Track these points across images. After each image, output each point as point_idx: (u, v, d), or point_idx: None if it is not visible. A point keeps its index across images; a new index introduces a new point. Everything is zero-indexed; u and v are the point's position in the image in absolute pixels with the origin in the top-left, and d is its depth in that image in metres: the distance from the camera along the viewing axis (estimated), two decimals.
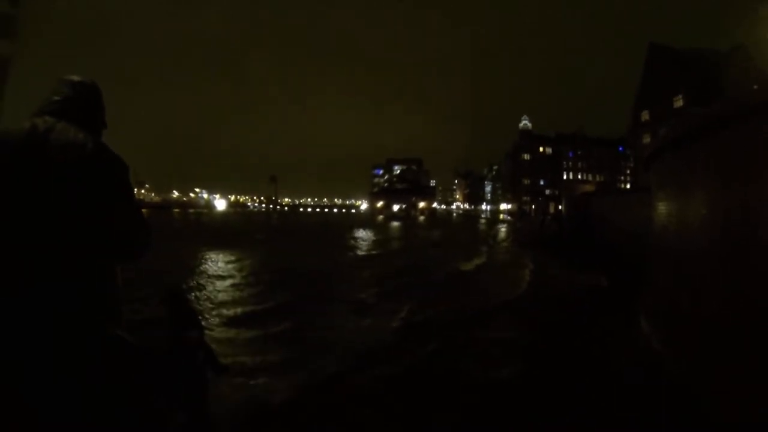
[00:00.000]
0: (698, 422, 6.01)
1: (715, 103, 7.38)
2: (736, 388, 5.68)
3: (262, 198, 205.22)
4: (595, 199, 38.48)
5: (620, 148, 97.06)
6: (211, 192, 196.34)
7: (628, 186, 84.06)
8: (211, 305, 14.31)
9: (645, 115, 54.08)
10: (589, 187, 49.01)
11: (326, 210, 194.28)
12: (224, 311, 13.54)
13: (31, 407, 1.92)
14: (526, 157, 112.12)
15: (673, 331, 8.31)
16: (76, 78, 2.48)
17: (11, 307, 1.94)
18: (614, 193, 50.23)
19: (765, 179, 5.39)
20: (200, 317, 4.80)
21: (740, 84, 35.62)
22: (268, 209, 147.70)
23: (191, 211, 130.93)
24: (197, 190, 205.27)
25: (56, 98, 2.36)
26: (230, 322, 12.47)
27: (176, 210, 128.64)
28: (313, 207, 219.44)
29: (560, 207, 56.06)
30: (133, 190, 2.49)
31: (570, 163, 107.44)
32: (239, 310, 13.80)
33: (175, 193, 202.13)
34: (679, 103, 46.55)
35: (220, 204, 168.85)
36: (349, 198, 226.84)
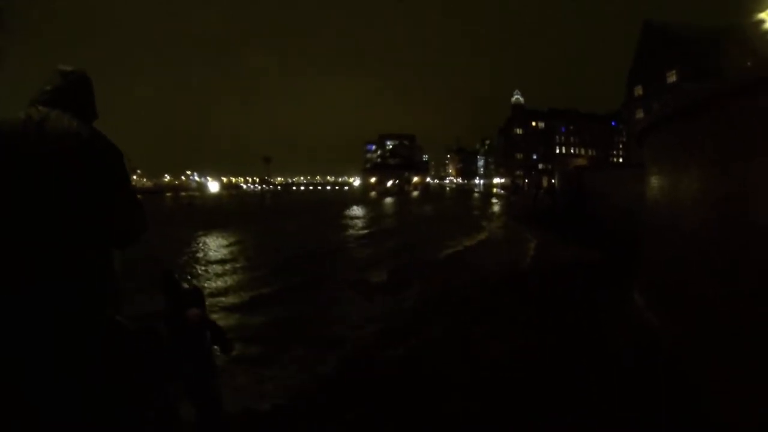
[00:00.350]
0: (693, 399, 6.13)
1: (710, 80, 7.38)
2: (727, 368, 5.79)
3: (255, 179, 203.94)
4: (588, 173, 38.54)
5: (613, 123, 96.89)
6: (203, 175, 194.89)
7: (621, 161, 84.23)
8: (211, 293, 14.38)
9: (638, 90, 53.96)
10: (581, 162, 49.16)
11: (319, 188, 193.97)
12: (224, 299, 13.66)
13: (32, 406, 1.94)
14: (519, 131, 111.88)
15: (667, 307, 8.42)
16: (66, 68, 2.48)
17: (12, 306, 1.94)
18: (607, 167, 50.40)
19: (758, 157, 5.43)
20: (202, 294, 4.57)
21: (734, 62, 35.54)
22: (261, 190, 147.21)
23: (183, 194, 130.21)
24: (188, 173, 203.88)
25: (48, 88, 2.36)
26: (232, 308, 12.62)
27: (168, 194, 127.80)
28: (306, 185, 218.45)
29: (553, 181, 56.13)
30: (129, 176, 2.57)
31: (563, 138, 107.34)
32: (241, 296, 13.94)
33: (167, 177, 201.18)
34: (672, 78, 46.43)
35: (213, 186, 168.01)
36: (342, 175, 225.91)
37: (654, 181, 10.00)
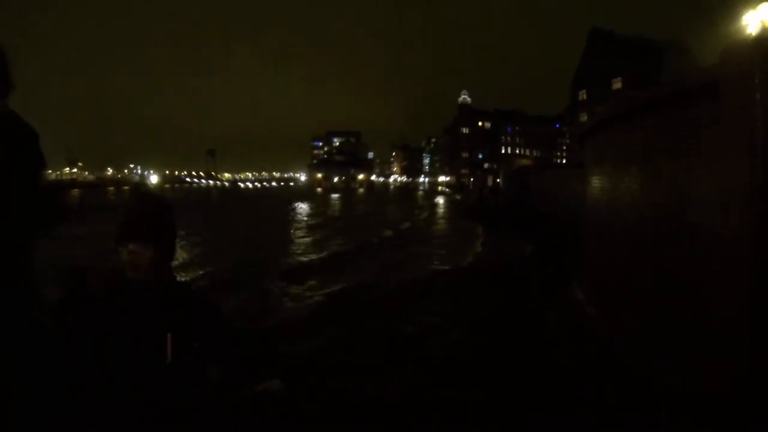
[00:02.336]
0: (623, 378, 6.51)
1: (650, 87, 7.81)
2: (655, 350, 6.19)
3: (201, 173, 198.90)
4: (533, 173, 39.62)
5: (557, 126, 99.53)
6: (146, 168, 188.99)
7: (564, 161, 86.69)
8: None
9: (582, 95, 55.51)
10: (525, 162, 50.31)
11: (266, 184, 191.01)
12: None
13: None
14: (465, 131, 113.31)
15: (603, 299, 8.87)
16: None
17: None
18: (551, 167, 51.82)
19: (691, 160, 5.82)
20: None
21: (676, 72, 37.24)
22: (208, 185, 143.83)
23: (125, 188, 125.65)
24: (131, 166, 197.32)
25: None
26: None
27: (110, 188, 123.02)
28: (253, 181, 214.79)
29: (498, 180, 57.30)
30: (45, 160, 2.26)
31: (509, 138, 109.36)
32: None
33: (110, 171, 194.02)
34: (617, 85, 48.02)
35: (153, 179, 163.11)
36: (289, 171, 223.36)
37: (595, 182, 10.43)
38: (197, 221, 30.97)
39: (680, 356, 5.74)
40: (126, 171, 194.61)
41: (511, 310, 11.40)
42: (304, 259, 19.15)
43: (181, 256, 19.09)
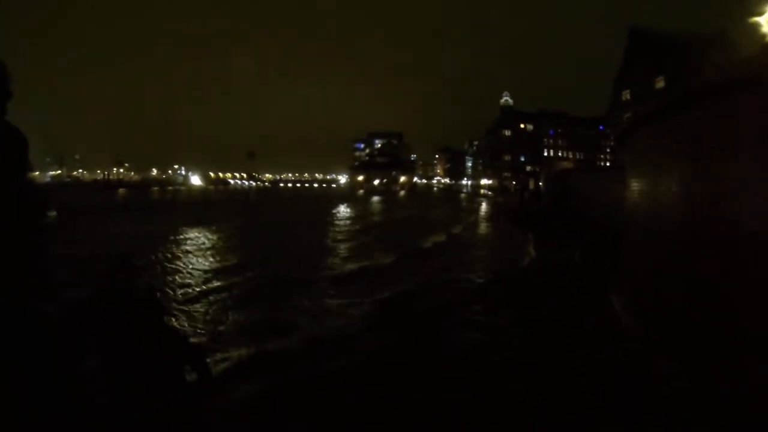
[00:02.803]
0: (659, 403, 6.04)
1: (684, 82, 7.30)
2: (694, 366, 5.69)
3: (243, 174, 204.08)
4: (574, 176, 38.63)
5: (601, 127, 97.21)
6: (190, 170, 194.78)
7: (608, 164, 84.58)
8: None
9: (626, 95, 54.02)
10: (567, 164, 49.28)
11: (306, 185, 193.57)
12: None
13: None
14: (507, 133, 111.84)
15: (640, 308, 8.33)
16: None
17: None
18: (592, 170, 50.55)
19: (733, 158, 5.30)
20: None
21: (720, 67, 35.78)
22: (249, 186, 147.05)
23: (169, 188, 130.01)
24: (175, 167, 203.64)
25: None
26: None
27: (155, 188, 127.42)
28: (294, 182, 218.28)
29: (540, 183, 56.23)
30: (30, 165, 2.44)
31: (551, 141, 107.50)
32: None
33: (155, 171, 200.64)
34: (660, 84, 46.62)
35: (196, 180, 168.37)
36: (330, 173, 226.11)
37: (633, 184, 9.90)
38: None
39: (707, 366, 5.24)
40: (170, 172, 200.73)
41: (542, 320, 10.96)
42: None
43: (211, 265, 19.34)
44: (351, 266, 18.37)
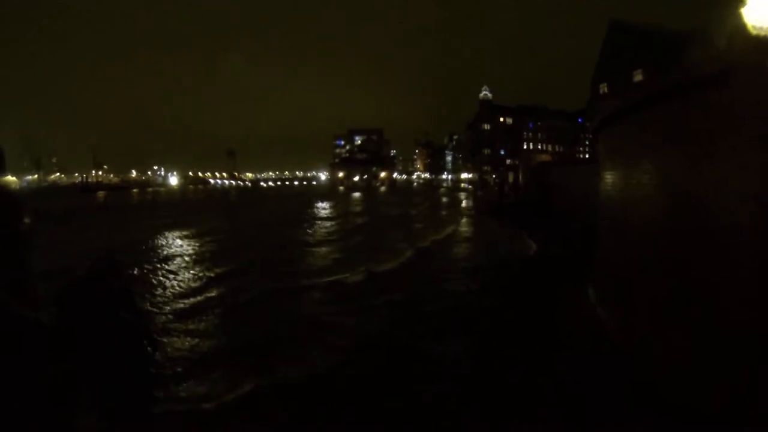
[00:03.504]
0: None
1: (658, 76, 7.37)
2: (670, 356, 5.77)
3: (223, 173, 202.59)
4: (552, 169, 38.98)
5: (579, 120, 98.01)
6: (169, 170, 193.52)
7: (587, 157, 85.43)
8: None
9: (603, 88, 54.28)
10: (545, 157, 49.62)
11: (287, 183, 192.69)
12: None
13: None
14: (487, 127, 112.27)
15: (614, 299, 8.44)
16: None
17: None
18: (569, 163, 50.97)
19: (705, 152, 5.37)
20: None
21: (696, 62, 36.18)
22: (230, 185, 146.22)
23: (149, 189, 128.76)
24: (155, 167, 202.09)
25: None
26: None
27: (135, 190, 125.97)
28: (275, 180, 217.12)
29: (519, 176, 56.62)
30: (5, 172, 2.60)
31: (530, 134, 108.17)
32: None
33: (134, 173, 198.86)
34: (639, 77, 46.92)
35: (173, 180, 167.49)
36: (311, 170, 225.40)
37: (607, 176, 9.99)
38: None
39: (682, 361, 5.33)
40: (149, 173, 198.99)
41: (516, 316, 11.00)
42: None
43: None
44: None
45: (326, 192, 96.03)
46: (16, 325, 2.28)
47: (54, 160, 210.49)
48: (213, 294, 13.55)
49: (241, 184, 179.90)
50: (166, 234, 27.63)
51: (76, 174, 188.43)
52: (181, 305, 12.45)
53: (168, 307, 12.24)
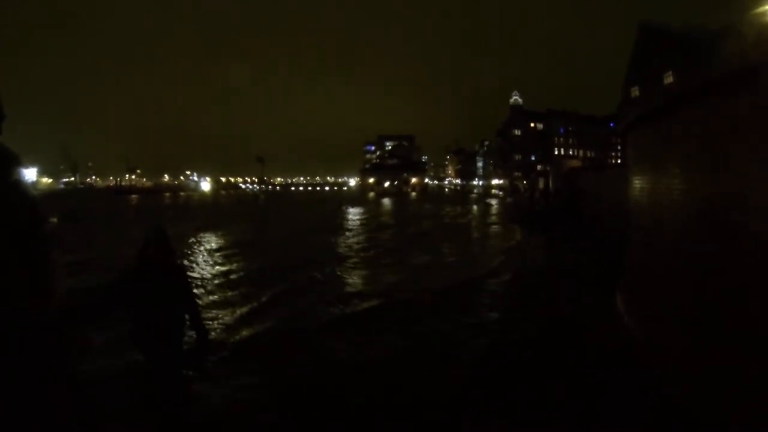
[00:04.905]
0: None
1: (686, 77, 7.12)
2: (702, 369, 5.52)
3: (254, 179, 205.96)
4: (582, 174, 38.35)
5: (611, 125, 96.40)
6: (201, 175, 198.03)
7: (619, 162, 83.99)
8: None
9: (635, 92, 53.30)
10: (575, 163, 48.84)
11: (317, 188, 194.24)
12: None
13: None
14: (517, 132, 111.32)
15: (643, 309, 8.16)
16: None
17: None
18: (600, 168, 50.07)
19: (733, 157, 5.13)
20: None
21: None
22: (260, 190, 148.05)
23: (182, 193, 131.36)
24: (187, 173, 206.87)
25: None
26: None
27: (167, 194, 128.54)
28: (305, 185, 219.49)
29: (549, 182, 55.81)
30: (23, 181, 2.62)
31: (561, 139, 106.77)
32: None
33: (166, 177, 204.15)
34: (669, 79, 45.93)
35: (205, 185, 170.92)
36: (341, 176, 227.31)
37: (636, 182, 9.70)
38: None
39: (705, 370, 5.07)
40: (182, 177, 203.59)
41: (546, 321, 10.79)
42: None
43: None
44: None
45: (356, 198, 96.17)
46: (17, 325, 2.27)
47: (90, 165, 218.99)
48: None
49: (270, 188, 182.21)
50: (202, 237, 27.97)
51: (111, 177, 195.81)
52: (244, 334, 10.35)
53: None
